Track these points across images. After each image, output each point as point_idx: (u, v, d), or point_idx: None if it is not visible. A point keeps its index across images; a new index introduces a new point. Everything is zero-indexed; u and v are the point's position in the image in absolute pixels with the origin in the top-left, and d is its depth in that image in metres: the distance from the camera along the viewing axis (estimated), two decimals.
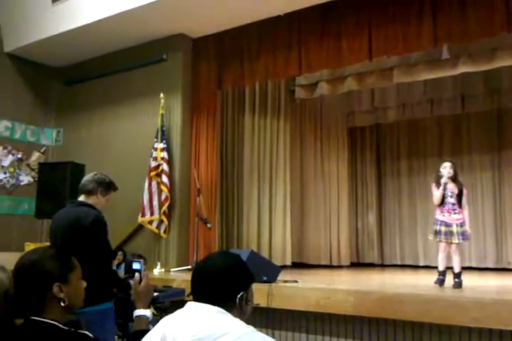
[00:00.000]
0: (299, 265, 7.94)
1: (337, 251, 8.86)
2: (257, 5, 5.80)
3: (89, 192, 3.03)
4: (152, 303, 2.45)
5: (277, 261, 6.88)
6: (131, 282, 2.13)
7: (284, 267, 7.01)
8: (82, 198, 3.06)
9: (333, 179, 9.03)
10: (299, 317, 4.44)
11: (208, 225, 5.89)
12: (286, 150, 7.85)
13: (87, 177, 3.08)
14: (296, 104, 8.27)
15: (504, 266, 8.46)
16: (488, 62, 6.31)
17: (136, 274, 2.10)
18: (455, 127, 9.24)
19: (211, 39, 6.70)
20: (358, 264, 9.39)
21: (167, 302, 2.75)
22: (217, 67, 6.64)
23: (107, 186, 3.07)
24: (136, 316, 2.01)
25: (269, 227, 7.42)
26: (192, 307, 1.52)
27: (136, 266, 2.13)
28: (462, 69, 6.50)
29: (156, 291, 2.88)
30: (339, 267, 8.67)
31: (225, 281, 1.51)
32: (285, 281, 4.79)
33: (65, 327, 1.53)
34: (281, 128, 7.81)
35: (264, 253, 6.91)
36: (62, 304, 1.56)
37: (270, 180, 7.55)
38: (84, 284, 1.67)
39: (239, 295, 1.51)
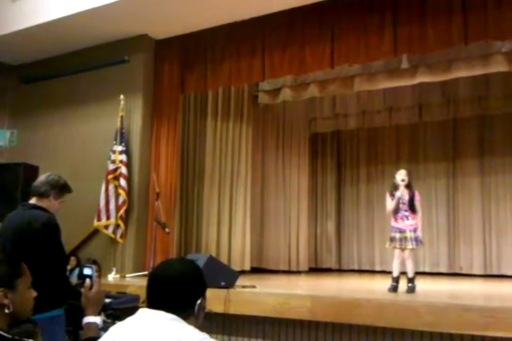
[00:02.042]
0: (257, 270, 7.94)
1: (296, 257, 8.91)
2: (222, 9, 5.80)
3: (41, 195, 2.91)
4: (104, 310, 2.38)
5: (236, 267, 6.86)
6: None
7: (243, 272, 6.99)
8: (34, 201, 2.94)
9: (293, 185, 9.09)
10: (256, 322, 4.43)
11: (167, 230, 5.80)
12: (248, 155, 7.85)
13: (40, 179, 2.96)
14: (259, 109, 8.31)
15: (456, 271, 8.72)
16: (445, 72, 6.53)
17: (87, 280, 2.03)
18: (412, 136, 9.49)
19: (175, 41, 6.64)
20: (316, 269, 9.48)
21: (120, 309, 2.68)
22: (180, 70, 6.58)
23: (60, 188, 2.96)
24: (86, 323, 1.95)
25: (228, 232, 7.39)
26: (144, 314, 1.48)
27: (87, 271, 2.06)
28: (420, 79, 6.69)
29: (109, 297, 2.81)
30: (298, 272, 8.73)
31: (184, 288, 1.48)
32: (243, 286, 4.78)
33: (7, 335, 1.46)
34: (244, 133, 7.81)
35: (223, 259, 6.87)
36: (6, 311, 1.49)
37: (231, 185, 7.53)
38: (33, 294, 1.61)
39: (198, 302, 1.49)
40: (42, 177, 2.98)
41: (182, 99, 6.85)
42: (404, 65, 6.64)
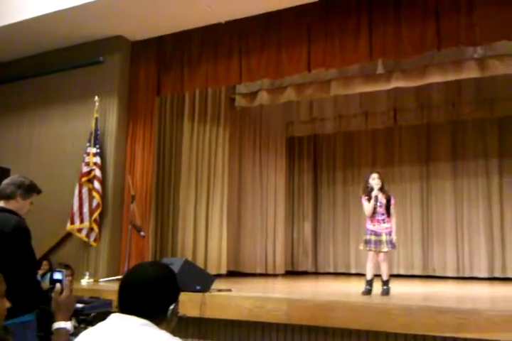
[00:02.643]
0: (234, 274, 7.91)
1: (272, 260, 8.91)
2: (199, 11, 5.78)
3: (8, 197, 2.83)
4: (75, 315, 2.33)
5: (212, 270, 6.82)
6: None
7: (219, 276, 6.95)
8: (1, 204, 2.86)
9: (270, 188, 9.10)
10: (231, 326, 4.40)
11: (142, 233, 5.73)
12: (225, 157, 7.84)
13: (5, 181, 2.89)
14: (236, 111, 8.30)
15: (430, 273, 8.85)
16: (419, 78, 6.64)
17: (57, 284, 1.99)
18: (388, 139, 9.63)
19: (151, 43, 6.59)
20: (292, 272, 9.50)
21: (93, 314, 2.63)
22: (156, 72, 6.53)
23: (27, 188, 2.88)
24: (56, 329, 1.90)
25: (205, 236, 7.34)
26: (115, 320, 1.45)
27: (57, 276, 2.01)
28: (395, 84, 6.79)
29: (81, 302, 2.74)
30: (274, 275, 8.73)
31: (156, 293, 1.46)
32: (219, 290, 4.74)
33: None
34: (221, 135, 7.79)
35: (199, 262, 6.82)
36: None
37: (208, 187, 7.50)
38: (6, 304, 1.56)
39: (171, 307, 1.46)
40: (7, 180, 2.91)
41: (158, 101, 6.80)
42: (380, 70, 6.73)
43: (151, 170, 6.49)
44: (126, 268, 5.69)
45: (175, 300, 1.49)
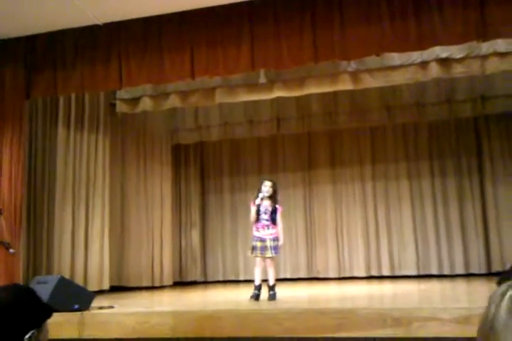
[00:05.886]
0: (118, 288, 7.51)
1: (159, 271, 8.64)
2: (74, 11, 5.44)
3: None
4: None
5: (93, 287, 6.43)
6: None
7: (102, 292, 6.57)
8: None
9: (156, 197, 8.85)
10: None
11: (11, 250, 5.21)
12: (106, 166, 7.43)
13: None
14: (118, 118, 7.95)
15: (314, 276, 9.23)
16: (299, 88, 6.91)
17: None
18: (272, 147, 9.90)
19: (20, 42, 6.05)
20: (181, 283, 9.31)
21: None
22: (25, 74, 5.97)
23: None
24: None
25: (84, 250, 6.87)
26: None
27: None
28: (277, 93, 6.99)
29: None
30: (161, 287, 8.48)
31: (6, 320, 1.28)
32: (100, 308, 4.46)
33: None
34: (100, 143, 7.38)
35: (79, 279, 6.38)
36: None
37: (87, 198, 7.04)
38: None
39: (27, 336, 1.29)
40: None
41: (28, 105, 6.26)
42: (262, 79, 6.90)
43: (21, 180, 5.91)
44: None
45: (36, 325, 1.33)
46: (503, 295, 0.96)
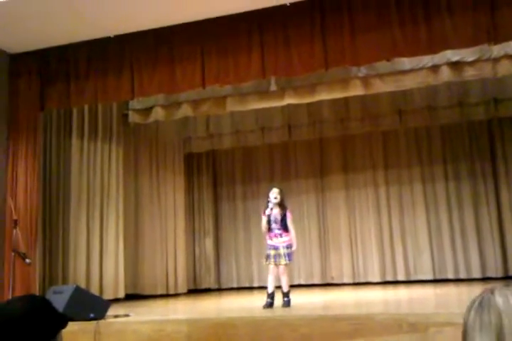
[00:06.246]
0: (133, 297, 7.55)
1: (174, 279, 8.66)
2: (85, 25, 5.55)
3: None
4: None
5: (109, 295, 6.46)
6: None
7: (117, 300, 6.61)
8: None
9: (169, 205, 8.89)
10: None
11: (27, 261, 5.26)
12: (119, 176, 7.50)
13: None
14: (130, 128, 8.04)
15: (328, 282, 9.18)
16: (310, 95, 6.93)
17: None
18: (284, 154, 9.92)
19: (33, 56, 6.16)
20: (195, 291, 9.32)
21: None
22: (39, 86, 6.09)
23: None
24: None
25: (99, 260, 6.92)
26: None
27: None
28: (288, 101, 7.02)
29: None
30: (176, 295, 8.50)
31: (22, 330, 1.30)
32: (115, 316, 4.49)
33: None
34: (114, 153, 7.45)
35: (94, 288, 6.42)
36: None
37: (101, 208, 7.10)
38: None
39: None
40: None
41: (42, 117, 6.36)
42: (273, 87, 6.93)
43: (36, 191, 6.00)
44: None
45: (51, 336, 1.35)
46: (475, 300, 1.05)
